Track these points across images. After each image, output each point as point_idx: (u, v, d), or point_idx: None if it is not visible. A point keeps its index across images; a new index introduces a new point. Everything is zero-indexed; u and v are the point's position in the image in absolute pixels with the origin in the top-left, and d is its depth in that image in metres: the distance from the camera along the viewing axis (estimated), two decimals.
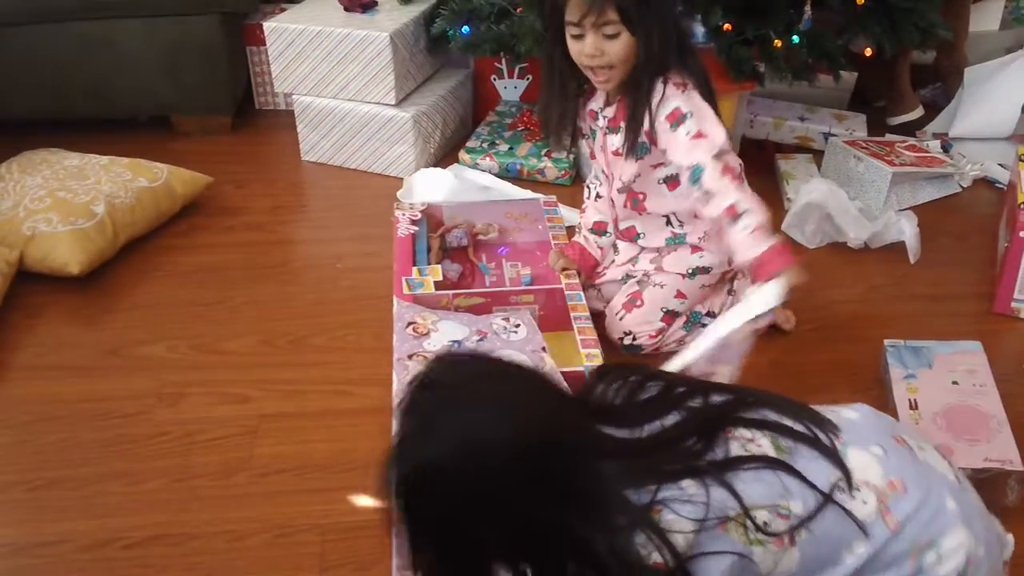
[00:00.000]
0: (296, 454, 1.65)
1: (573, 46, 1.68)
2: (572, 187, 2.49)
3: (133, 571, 1.45)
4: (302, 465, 1.63)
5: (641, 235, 1.90)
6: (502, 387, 1.04)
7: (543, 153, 2.56)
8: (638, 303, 1.85)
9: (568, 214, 2.21)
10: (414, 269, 1.88)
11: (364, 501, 1.56)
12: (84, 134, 2.63)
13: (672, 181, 1.80)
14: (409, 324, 1.70)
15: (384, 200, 2.33)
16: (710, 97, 1.72)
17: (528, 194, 2.41)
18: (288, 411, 1.76)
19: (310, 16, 2.59)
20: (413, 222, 2.05)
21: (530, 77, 2.84)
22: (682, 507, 1.01)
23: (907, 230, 2.19)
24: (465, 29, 2.50)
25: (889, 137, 2.73)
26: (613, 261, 1.96)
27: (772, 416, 1.11)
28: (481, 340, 1.66)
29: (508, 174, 2.56)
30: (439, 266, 1.92)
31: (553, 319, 1.83)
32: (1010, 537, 1.21)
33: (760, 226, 1.56)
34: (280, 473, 1.62)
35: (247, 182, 2.58)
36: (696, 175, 1.64)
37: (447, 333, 1.68)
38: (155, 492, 1.59)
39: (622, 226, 1.91)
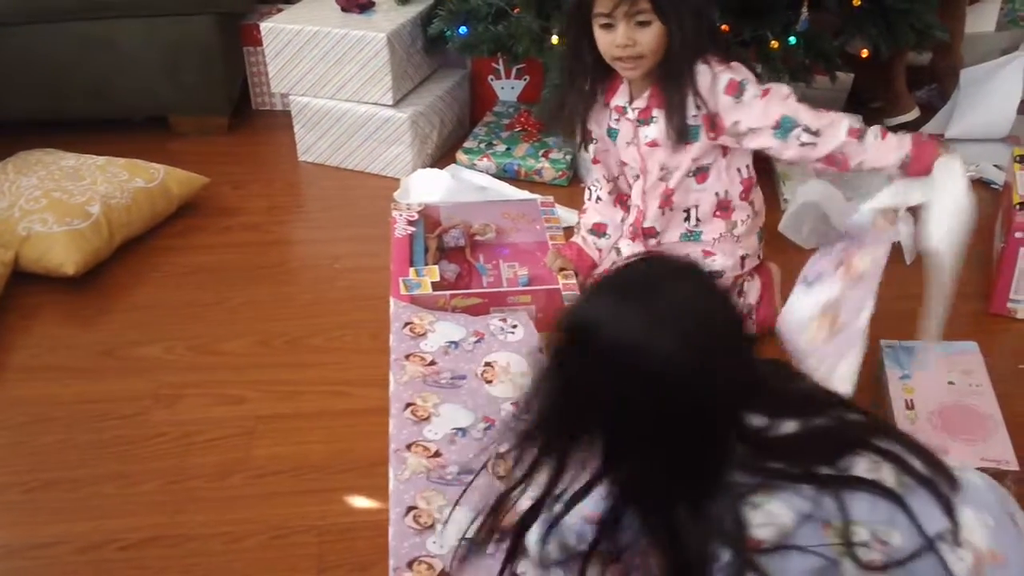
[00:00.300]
0: (293, 455, 1.65)
1: (603, 38, 1.69)
2: (569, 188, 2.49)
3: (129, 573, 1.45)
4: (299, 466, 1.63)
5: (659, 232, 1.89)
6: (707, 316, 1.04)
7: (540, 154, 2.56)
8: None
9: (565, 215, 2.21)
10: (411, 270, 1.88)
11: (361, 502, 1.56)
12: (80, 134, 2.62)
13: (702, 173, 1.81)
14: (406, 324, 1.70)
15: (381, 200, 2.34)
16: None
17: (525, 195, 2.41)
18: (285, 412, 1.76)
19: (307, 16, 2.59)
20: (410, 222, 2.05)
21: (527, 78, 2.84)
22: (791, 498, 1.01)
23: (903, 230, 2.19)
24: (462, 30, 2.50)
25: None
26: (614, 263, 1.95)
27: (899, 450, 1.09)
28: (478, 341, 1.66)
29: (505, 175, 2.56)
30: (436, 267, 1.91)
31: (551, 320, 1.83)
32: None
33: (888, 130, 1.66)
34: (277, 474, 1.62)
35: (244, 182, 2.58)
36: (788, 124, 1.67)
37: (444, 334, 1.69)
38: (151, 494, 1.59)
39: (646, 224, 1.89)
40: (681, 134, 1.74)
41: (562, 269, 1.92)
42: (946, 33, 2.58)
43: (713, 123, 1.74)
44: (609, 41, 1.68)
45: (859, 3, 2.40)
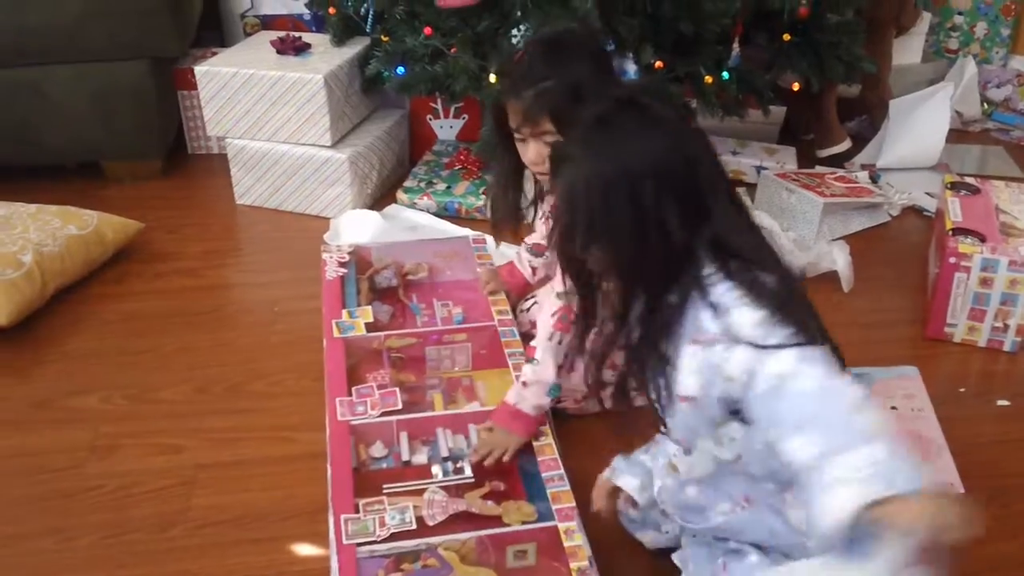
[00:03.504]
0: (235, 504, 1.62)
1: (520, 148, 1.65)
2: None
3: None
4: (241, 515, 1.60)
5: None
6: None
7: (481, 191, 2.56)
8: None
9: (498, 250, 2.21)
10: (344, 311, 1.87)
11: (306, 549, 1.53)
12: (11, 182, 2.58)
13: None
14: None
15: (320, 242, 2.32)
16: None
17: (465, 232, 2.40)
18: (225, 460, 1.72)
19: (242, 59, 2.57)
20: (341, 264, 2.03)
21: (466, 116, 2.85)
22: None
23: (840, 259, 2.23)
24: (400, 70, 2.50)
25: (819, 169, 2.78)
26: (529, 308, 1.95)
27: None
28: None
29: (446, 213, 2.56)
30: (369, 308, 1.90)
31: (489, 357, 1.83)
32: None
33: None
34: (219, 524, 1.58)
35: (180, 227, 2.54)
36: None
37: None
38: (90, 548, 1.54)
39: None
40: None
41: (492, 292, 1.92)
42: (874, 65, 2.64)
43: None
44: (522, 151, 1.65)
45: (789, 38, 2.46)
